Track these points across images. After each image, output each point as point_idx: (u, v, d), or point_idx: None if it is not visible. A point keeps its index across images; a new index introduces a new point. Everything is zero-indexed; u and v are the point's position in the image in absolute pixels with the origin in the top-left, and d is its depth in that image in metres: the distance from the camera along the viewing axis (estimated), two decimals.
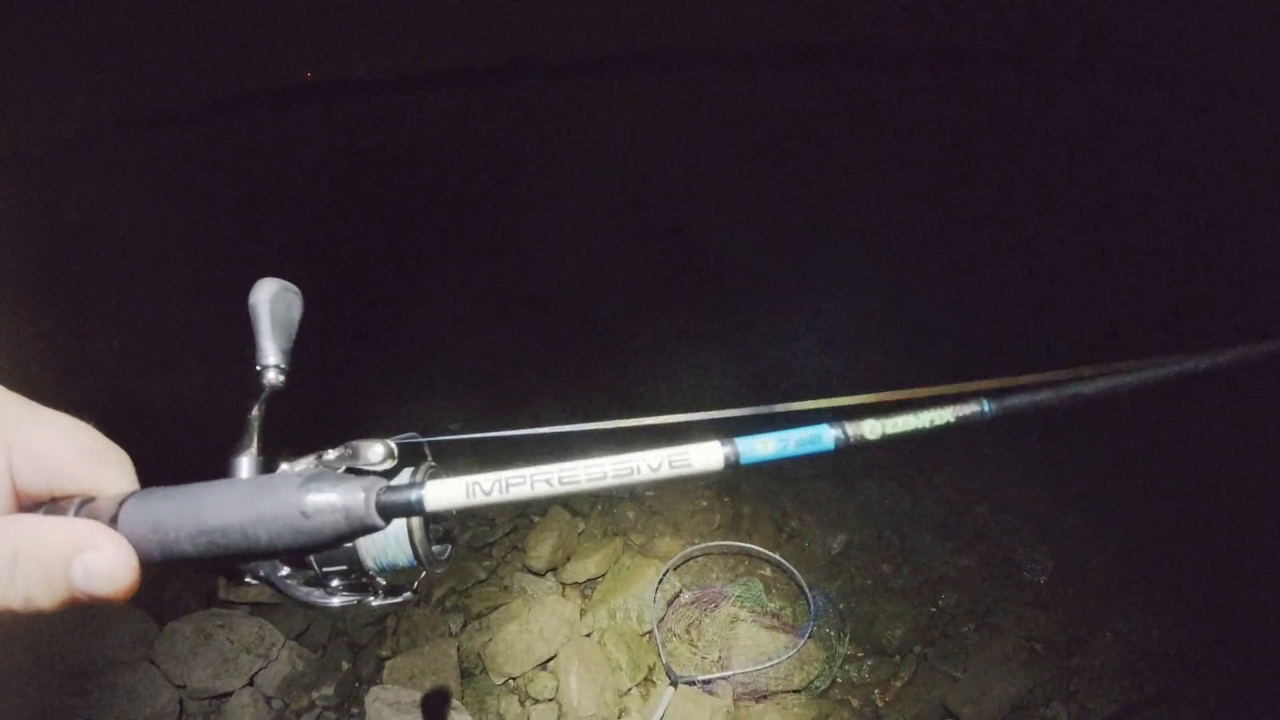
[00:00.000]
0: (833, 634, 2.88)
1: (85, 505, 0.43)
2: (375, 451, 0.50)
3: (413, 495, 0.45)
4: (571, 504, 3.63)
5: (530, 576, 3.19)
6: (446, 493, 0.45)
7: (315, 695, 2.74)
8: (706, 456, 0.47)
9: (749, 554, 3.22)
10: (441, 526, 0.65)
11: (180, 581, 3.05)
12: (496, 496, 0.46)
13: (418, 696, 2.62)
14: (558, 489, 0.46)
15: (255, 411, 0.58)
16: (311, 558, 0.55)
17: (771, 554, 3.16)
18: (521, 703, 2.74)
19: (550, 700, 2.72)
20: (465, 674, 2.83)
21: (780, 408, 0.51)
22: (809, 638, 2.79)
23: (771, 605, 3.01)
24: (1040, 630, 2.92)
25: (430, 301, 5.40)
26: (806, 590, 3.00)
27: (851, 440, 0.49)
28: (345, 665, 2.86)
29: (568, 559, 3.23)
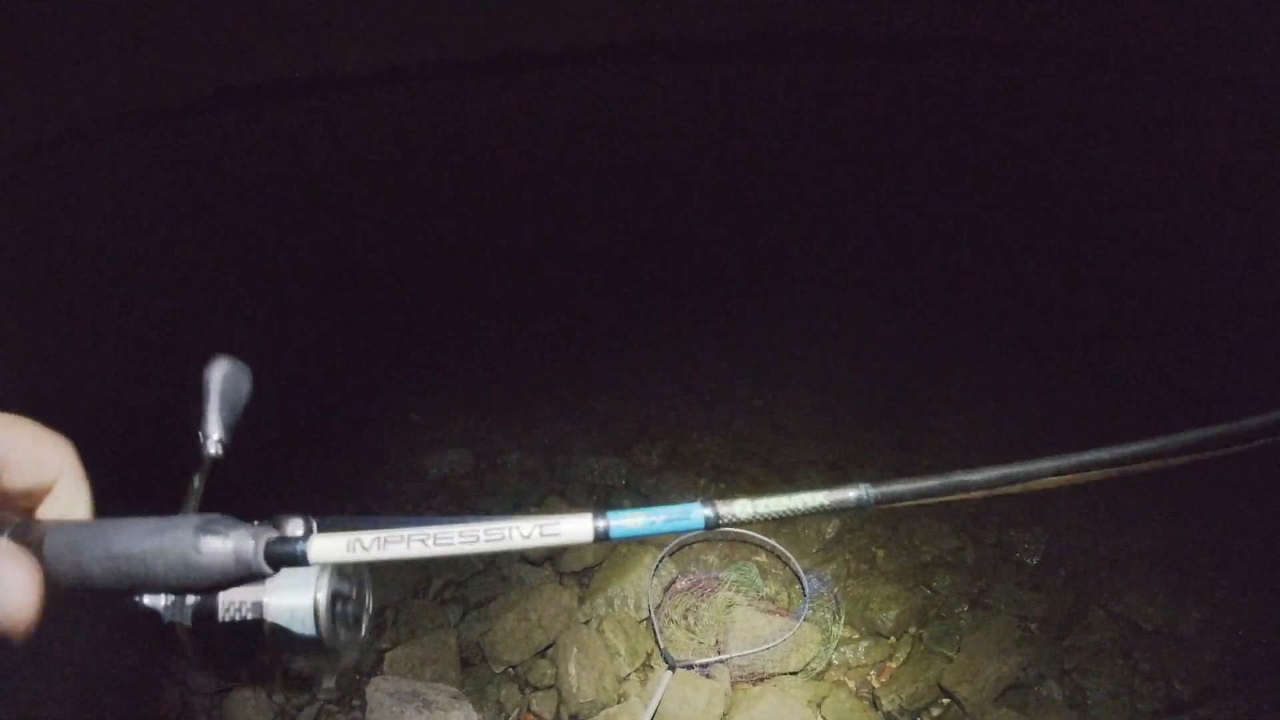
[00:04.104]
0: (828, 617, 2.90)
1: (18, 527, 0.48)
2: (293, 525, 0.54)
3: (298, 547, 0.49)
4: (568, 494, 3.65)
5: (527, 566, 3.21)
6: (329, 547, 0.49)
7: (316, 689, 2.75)
8: (576, 528, 0.50)
9: (743, 539, 3.24)
10: (351, 612, 0.67)
11: None
12: (375, 553, 0.49)
13: (418, 686, 2.64)
14: (432, 550, 0.49)
15: (196, 477, 0.63)
16: None
17: (766, 539, 3.19)
18: (521, 690, 2.77)
19: (550, 687, 2.75)
20: (465, 663, 2.85)
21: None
22: (804, 621, 2.82)
23: (767, 589, 3.03)
24: (1034, 610, 2.95)
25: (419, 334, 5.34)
26: (801, 574, 3.03)
27: (722, 519, 0.51)
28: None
29: (564, 548, 3.25)
